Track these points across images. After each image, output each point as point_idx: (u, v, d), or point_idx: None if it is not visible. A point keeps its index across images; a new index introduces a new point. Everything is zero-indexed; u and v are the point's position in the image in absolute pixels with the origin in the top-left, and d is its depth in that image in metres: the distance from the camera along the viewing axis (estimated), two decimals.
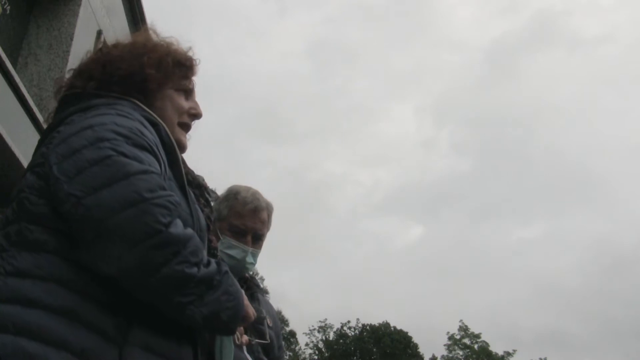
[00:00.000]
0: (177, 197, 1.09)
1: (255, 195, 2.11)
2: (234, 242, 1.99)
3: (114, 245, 1.00)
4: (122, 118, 1.16)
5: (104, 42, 1.45)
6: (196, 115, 1.44)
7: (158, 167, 1.12)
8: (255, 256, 2.05)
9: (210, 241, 1.31)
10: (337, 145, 73.74)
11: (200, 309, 1.06)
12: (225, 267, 1.14)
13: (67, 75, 1.39)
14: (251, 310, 1.24)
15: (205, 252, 1.13)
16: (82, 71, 1.35)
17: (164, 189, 1.06)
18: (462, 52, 77.87)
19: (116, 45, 1.40)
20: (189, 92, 1.44)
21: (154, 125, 1.24)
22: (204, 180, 1.41)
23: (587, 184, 70.43)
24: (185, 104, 1.41)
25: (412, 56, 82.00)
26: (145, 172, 1.05)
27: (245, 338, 1.62)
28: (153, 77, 1.34)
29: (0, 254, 1.06)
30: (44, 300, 0.99)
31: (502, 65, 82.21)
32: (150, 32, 1.45)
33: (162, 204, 1.03)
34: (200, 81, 1.54)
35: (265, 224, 2.11)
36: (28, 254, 1.04)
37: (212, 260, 1.12)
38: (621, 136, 74.50)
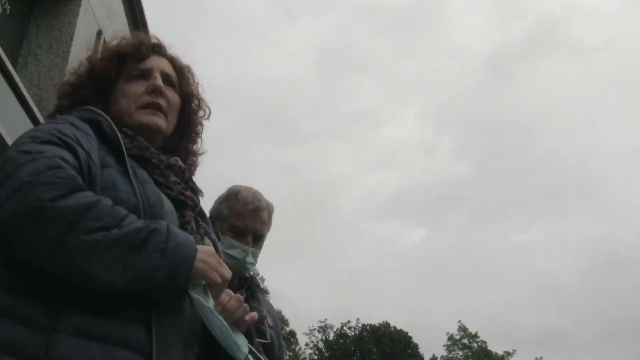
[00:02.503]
0: (72, 171, 1.09)
1: (256, 196, 2.11)
2: (234, 242, 2.00)
3: (15, 235, 1.02)
4: (45, 124, 1.24)
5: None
6: (154, 90, 1.41)
7: (65, 155, 1.11)
8: (255, 256, 2.05)
9: (183, 216, 1.31)
10: (340, 148, 73.98)
11: (123, 274, 1.03)
12: (155, 224, 1.10)
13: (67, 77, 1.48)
14: (223, 271, 1.17)
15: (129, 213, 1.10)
16: (65, 85, 1.47)
17: (55, 168, 1.06)
18: (463, 58, 78.15)
19: (88, 60, 1.48)
20: (145, 74, 1.44)
21: (96, 122, 1.28)
22: (177, 160, 1.41)
23: (587, 187, 70.69)
24: (140, 87, 1.42)
25: (415, 62, 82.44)
26: (33, 160, 1.06)
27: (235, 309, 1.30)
28: (93, 85, 1.42)
29: None
30: None
31: (503, 71, 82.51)
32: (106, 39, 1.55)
33: (47, 181, 1.03)
34: (206, 83, 1.56)
35: (266, 224, 2.11)
36: None
37: (141, 221, 1.09)
38: (620, 140, 74.59)
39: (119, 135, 1.29)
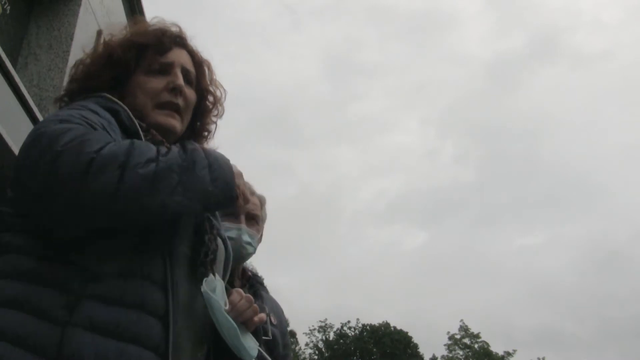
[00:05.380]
0: (110, 137, 1.10)
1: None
2: (227, 224, 2.00)
3: (70, 196, 0.98)
4: (66, 109, 1.18)
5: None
6: (174, 88, 1.36)
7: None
8: (252, 237, 2.05)
9: (196, 216, 1.29)
10: (345, 152, 74.14)
11: (186, 195, 1.03)
12: (190, 145, 1.12)
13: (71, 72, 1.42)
14: (241, 184, 1.19)
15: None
16: (80, 65, 1.42)
17: (90, 132, 1.07)
18: (467, 65, 78.39)
19: (107, 43, 1.42)
20: (166, 68, 1.38)
21: (115, 111, 1.24)
22: None
23: (586, 192, 71.01)
24: (159, 83, 1.36)
25: (419, 68, 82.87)
26: (69, 129, 1.05)
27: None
28: (109, 72, 1.36)
29: None
30: None
31: (506, 78, 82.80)
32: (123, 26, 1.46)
33: (86, 139, 1.02)
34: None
35: (258, 208, 2.12)
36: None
37: (172, 146, 1.11)
38: (619, 146, 74.79)
39: (139, 128, 1.24)
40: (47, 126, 1.07)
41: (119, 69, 1.37)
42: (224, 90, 1.53)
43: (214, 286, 1.17)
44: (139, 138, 1.21)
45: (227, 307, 1.19)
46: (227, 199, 1.12)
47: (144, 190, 1.00)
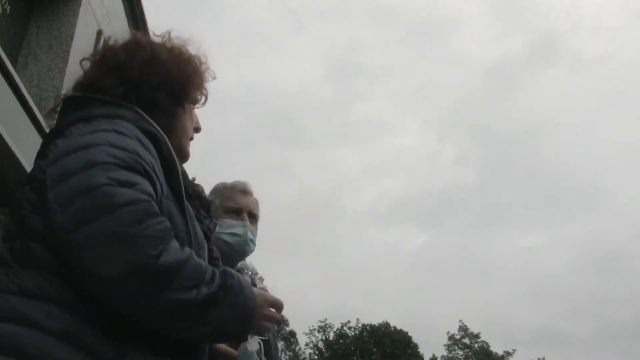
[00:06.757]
0: (167, 222, 1.06)
1: (243, 182, 2.19)
2: (232, 221, 2.05)
3: (104, 281, 0.99)
4: (118, 136, 1.13)
5: (135, 33, 1.40)
6: (198, 129, 1.44)
7: (152, 190, 1.09)
8: (254, 234, 2.10)
9: (211, 251, 1.30)
10: (346, 153, 74.23)
11: (203, 329, 1.05)
12: (230, 278, 1.10)
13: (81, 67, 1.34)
14: (275, 301, 1.21)
15: (207, 265, 1.11)
16: (112, 67, 1.29)
17: (154, 216, 1.03)
18: (467, 67, 78.56)
19: (150, 44, 1.34)
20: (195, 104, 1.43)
21: (154, 137, 1.20)
22: (203, 191, 1.39)
23: (586, 193, 70.93)
24: (192, 120, 1.42)
25: (420, 71, 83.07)
26: (134, 202, 1.01)
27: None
28: (191, 89, 1.35)
29: (5, 270, 1.04)
30: (43, 323, 0.97)
31: (506, 81, 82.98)
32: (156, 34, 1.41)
33: (150, 234, 1.00)
34: (215, 87, 1.53)
35: (257, 207, 2.17)
36: (31, 272, 1.02)
37: (217, 272, 1.09)
38: (619, 148, 74.90)
39: (177, 161, 1.23)
40: (105, 175, 1.03)
41: (190, 88, 1.38)
42: None
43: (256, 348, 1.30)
44: (175, 170, 1.21)
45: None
46: (240, 338, 1.18)
47: (171, 314, 1.02)
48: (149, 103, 1.27)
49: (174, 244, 1.05)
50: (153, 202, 1.06)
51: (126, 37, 1.38)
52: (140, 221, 1.00)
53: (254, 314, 1.12)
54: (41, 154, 1.19)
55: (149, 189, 1.08)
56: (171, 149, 1.22)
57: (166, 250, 1.01)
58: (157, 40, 1.38)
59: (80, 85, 1.31)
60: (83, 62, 1.35)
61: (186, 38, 1.40)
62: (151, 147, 1.17)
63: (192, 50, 1.39)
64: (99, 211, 0.99)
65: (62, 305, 1.00)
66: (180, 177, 1.22)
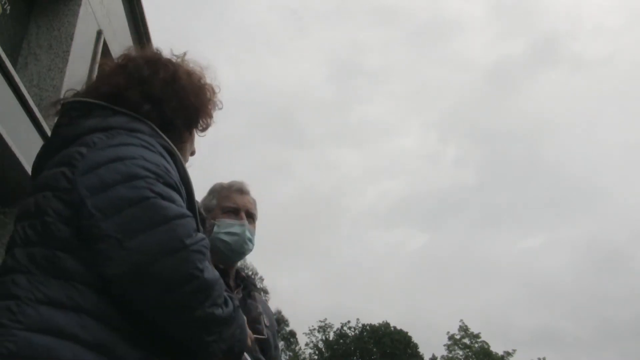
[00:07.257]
0: (207, 239, 1.12)
1: (239, 181, 2.20)
2: (230, 221, 2.05)
3: (151, 289, 1.01)
4: (148, 152, 1.14)
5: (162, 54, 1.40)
6: (193, 153, 1.47)
7: (185, 206, 1.13)
8: (252, 234, 2.09)
9: None
10: (347, 154, 74.30)
11: (220, 345, 1.11)
12: (236, 301, 1.18)
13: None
14: (250, 335, 1.36)
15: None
16: (136, 81, 1.28)
17: (197, 231, 1.09)
18: (468, 69, 78.62)
19: (172, 64, 1.35)
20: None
21: (172, 155, 1.21)
22: (200, 206, 1.40)
23: (586, 194, 71.12)
24: (192, 142, 1.45)
25: (421, 72, 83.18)
26: (182, 216, 1.06)
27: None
28: (202, 117, 1.38)
29: (27, 277, 1.02)
30: (78, 334, 0.97)
31: (506, 82, 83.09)
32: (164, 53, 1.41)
33: (198, 249, 1.05)
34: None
35: (254, 206, 2.16)
36: (58, 282, 1.01)
37: (227, 297, 1.15)
38: (619, 149, 74.96)
39: (191, 179, 1.25)
40: (151, 189, 1.06)
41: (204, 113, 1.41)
42: None
43: None
44: (190, 188, 1.23)
45: None
46: (235, 357, 1.22)
47: (203, 327, 1.08)
48: (167, 123, 1.29)
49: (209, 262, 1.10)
50: (194, 221, 1.10)
51: (146, 51, 1.39)
52: (190, 235, 1.05)
53: (247, 336, 1.23)
54: (62, 161, 1.15)
55: (184, 206, 1.12)
56: (186, 170, 1.25)
57: (207, 267, 1.06)
58: (174, 60, 1.39)
59: (97, 91, 1.28)
60: (100, 66, 1.37)
61: (204, 65, 1.42)
62: (172, 163, 1.19)
63: (208, 78, 1.42)
64: (152, 222, 1.02)
65: (95, 315, 1.01)
66: (194, 196, 1.24)
